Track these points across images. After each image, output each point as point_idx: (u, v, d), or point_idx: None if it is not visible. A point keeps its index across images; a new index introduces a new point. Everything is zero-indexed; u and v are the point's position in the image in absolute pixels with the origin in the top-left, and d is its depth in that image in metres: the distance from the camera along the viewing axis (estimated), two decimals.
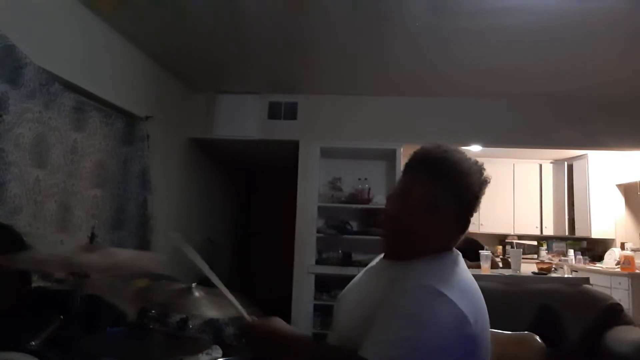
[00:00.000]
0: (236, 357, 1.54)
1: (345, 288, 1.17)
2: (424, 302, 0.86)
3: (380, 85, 3.87)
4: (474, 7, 2.46)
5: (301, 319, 3.84)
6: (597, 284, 4.43)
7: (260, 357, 1.01)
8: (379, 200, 4.02)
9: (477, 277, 1.00)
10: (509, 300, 2.89)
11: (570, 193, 5.62)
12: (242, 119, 4.05)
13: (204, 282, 1.31)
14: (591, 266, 5.08)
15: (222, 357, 1.52)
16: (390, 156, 4.09)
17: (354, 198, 4.04)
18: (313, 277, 3.92)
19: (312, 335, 1.34)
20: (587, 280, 3.40)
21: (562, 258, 5.26)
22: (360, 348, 0.85)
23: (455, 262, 0.99)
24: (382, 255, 1.14)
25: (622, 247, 4.99)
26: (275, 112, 4.10)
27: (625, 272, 4.45)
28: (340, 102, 4.10)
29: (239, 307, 1.04)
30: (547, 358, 1.38)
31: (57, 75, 2.34)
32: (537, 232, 5.75)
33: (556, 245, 5.72)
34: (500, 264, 3.97)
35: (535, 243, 5.72)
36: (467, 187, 0.98)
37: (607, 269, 4.79)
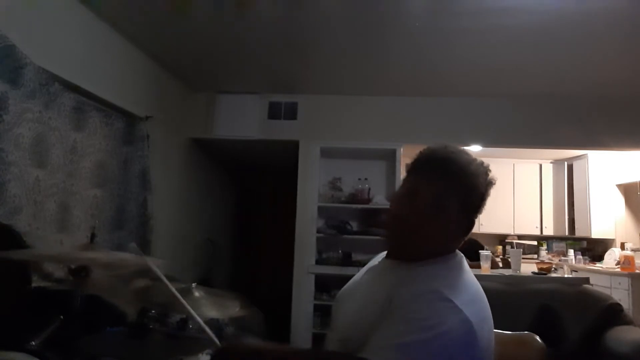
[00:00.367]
0: None
1: (345, 287, 1.16)
2: (431, 308, 0.85)
3: (380, 85, 3.87)
4: (474, 7, 2.46)
5: (301, 319, 3.84)
6: (597, 284, 4.43)
7: None
8: (379, 200, 4.02)
9: (477, 277, 1.00)
10: (509, 300, 2.89)
11: (570, 193, 5.62)
12: (242, 119, 4.05)
13: (204, 282, 1.31)
14: (591, 266, 5.08)
15: None
16: (390, 156, 4.09)
17: (354, 198, 4.04)
18: (313, 277, 3.92)
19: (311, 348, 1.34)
20: (587, 280, 3.40)
21: (562, 258, 5.26)
22: (365, 350, 0.85)
23: (460, 265, 0.99)
24: (383, 255, 1.13)
25: (622, 247, 4.99)
26: (275, 112, 4.10)
27: (625, 272, 4.45)
28: (340, 102, 4.10)
29: (207, 330, 1.03)
30: (547, 358, 1.38)
31: (57, 75, 2.34)
32: (537, 232, 5.76)
33: (556, 245, 5.73)
34: (500, 264, 3.97)
35: (535, 243, 5.72)
36: (473, 189, 0.97)
37: (607, 269, 4.79)
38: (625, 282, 4.40)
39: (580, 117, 3.89)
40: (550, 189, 5.82)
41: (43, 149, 2.26)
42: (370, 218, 4.07)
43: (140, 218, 3.13)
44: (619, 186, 5.36)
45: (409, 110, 4.06)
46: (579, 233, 5.50)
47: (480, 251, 3.48)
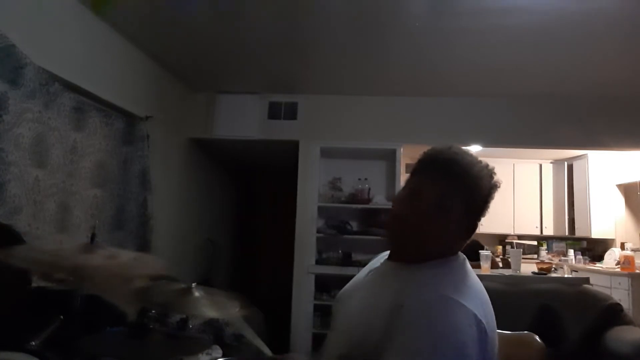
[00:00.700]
0: (236, 357, 1.54)
1: (345, 288, 1.15)
2: (443, 312, 0.85)
3: (380, 85, 3.87)
4: (474, 7, 2.46)
5: (301, 319, 3.84)
6: (597, 284, 4.43)
7: None
8: (379, 200, 4.02)
9: (477, 277, 1.00)
10: (509, 300, 2.89)
11: (570, 193, 5.62)
12: (242, 119, 4.05)
13: (204, 282, 1.31)
14: (591, 266, 5.08)
15: (222, 357, 1.52)
16: (390, 156, 4.09)
17: (354, 198, 4.03)
18: (313, 277, 3.92)
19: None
20: (587, 280, 3.40)
21: (562, 258, 5.26)
22: (380, 357, 0.85)
23: (463, 267, 0.99)
24: (384, 255, 1.12)
25: (622, 247, 4.99)
26: (275, 112, 4.10)
27: (625, 272, 4.45)
28: (340, 102, 4.10)
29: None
30: (547, 358, 1.38)
31: (57, 75, 2.34)
32: (537, 232, 5.76)
33: (556, 245, 5.73)
34: (500, 264, 3.97)
35: (535, 243, 5.73)
36: (476, 190, 0.97)
37: (607, 269, 4.79)
38: (625, 282, 4.40)
39: (580, 117, 3.89)
40: (550, 189, 5.82)
41: (43, 149, 2.26)
42: (370, 218, 4.07)
43: (140, 218, 3.13)
44: (619, 186, 5.36)
45: (409, 110, 4.06)
46: (579, 233, 5.50)
47: (480, 251, 3.48)
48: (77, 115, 2.56)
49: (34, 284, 1.66)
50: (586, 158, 5.38)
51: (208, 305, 1.25)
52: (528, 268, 3.95)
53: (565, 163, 5.69)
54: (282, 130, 4.09)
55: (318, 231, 3.99)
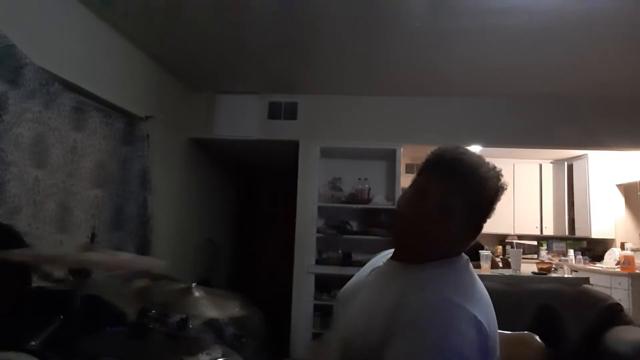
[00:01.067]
0: (236, 357, 1.54)
1: (346, 287, 1.14)
2: (444, 314, 0.85)
3: (380, 85, 3.87)
4: (474, 7, 2.46)
5: (301, 319, 3.84)
6: (597, 284, 4.43)
7: None
8: (379, 200, 4.02)
9: (479, 279, 1.00)
10: (509, 300, 2.88)
11: (570, 193, 5.62)
12: (242, 119, 4.05)
13: (204, 282, 1.31)
14: (591, 266, 5.07)
15: (222, 357, 1.52)
16: (390, 156, 4.09)
17: (354, 198, 4.03)
18: (313, 277, 3.92)
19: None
20: (587, 280, 3.40)
21: (562, 258, 5.26)
22: (380, 357, 0.85)
23: (466, 268, 0.99)
24: (386, 254, 1.12)
25: (622, 247, 4.99)
26: (275, 112, 4.10)
27: (625, 272, 4.45)
28: (340, 102, 4.10)
29: None
30: (547, 358, 1.38)
31: (57, 75, 2.34)
32: (537, 232, 5.75)
33: (556, 245, 5.72)
34: (500, 264, 3.97)
35: (535, 243, 5.72)
36: (481, 191, 0.96)
37: (607, 269, 4.79)
38: (625, 282, 4.40)
39: (580, 117, 3.89)
40: (550, 189, 5.82)
41: (43, 149, 2.26)
42: (370, 218, 4.07)
43: (140, 218, 3.13)
44: (619, 186, 5.36)
45: (409, 110, 4.06)
46: (579, 233, 5.50)
47: (480, 251, 3.48)
48: (77, 115, 2.56)
49: (34, 284, 1.66)
50: (586, 158, 5.38)
51: (208, 305, 1.25)
52: (528, 268, 3.95)
53: (565, 163, 5.69)
54: (282, 130, 4.09)
55: (318, 231, 3.99)
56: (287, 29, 2.84)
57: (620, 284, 4.45)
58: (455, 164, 0.96)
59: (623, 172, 5.23)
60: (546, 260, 5.01)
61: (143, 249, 3.12)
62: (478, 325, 0.85)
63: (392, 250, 1.09)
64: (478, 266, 3.30)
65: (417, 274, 0.95)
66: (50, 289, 1.67)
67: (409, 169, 5.31)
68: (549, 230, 5.75)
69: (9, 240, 1.62)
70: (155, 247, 3.22)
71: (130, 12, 2.67)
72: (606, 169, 5.34)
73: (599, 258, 5.26)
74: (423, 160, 1.04)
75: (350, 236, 4.01)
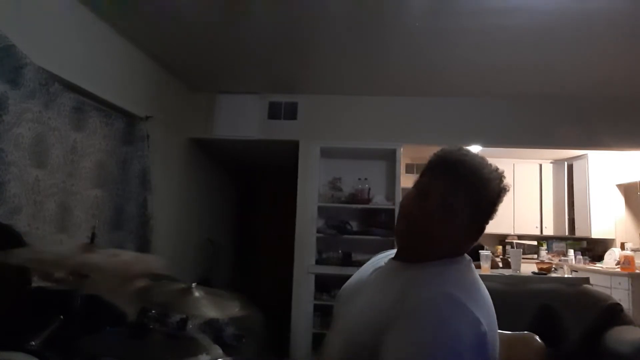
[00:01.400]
0: (236, 357, 1.54)
1: (346, 286, 1.14)
2: (443, 312, 0.86)
3: (380, 85, 3.87)
4: (474, 7, 2.46)
5: (301, 319, 3.84)
6: (597, 284, 4.42)
7: None
8: (379, 200, 4.02)
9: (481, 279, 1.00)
10: (509, 300, 2.88)
11: (570, 193, 5.62)
12: (242, 119, 4.05)
13: (204, 282, 1.31)
14: (591, 266, 5.07)
15: (222, 357, 1.52)
16: (390, 156, 4.09)
17: (354, 198, 4.03)
18: (313, 277, 3.92)
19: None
20: (587, 280, 3.40)
21: (562, 258, 5.26)
22: (380, 356, 0.85)
23: (468, 268, 0.99)
24: (387, 254, 1.12)
25: (622, 247, 4.99)
26: (275, 112, 4.10)
27: (625, 272, 4.45)
28: (340, 102, 4.10)
29: None
30: (547, 358, 1.38)
31: (57, 75, 2.34)
32: (537, 232, 5.76)
33: (556, 245, 5.72)
34: (500, 264, 3.97)
35: (535, 243, 5.72)
36: (484, 193, 0.97)
37: (607, 269, 4.79)
38: (625, 282, 4.40)
39: (580, 117, 3.89)
40: (550, 189, 5.82)
41: (43, 149, 2.26)
42: (370, 218, 4.07)
43: (140, 218, 3.13)
44: (619, 186, 5.36)
45: (409, 110, 4.06)
46: (579, 233, 5.50)
47: (480, 251, 3.48)
48: (77, 115, 2.56)
49: (34, 284, 1.66)
50: (586, 158, 5.38)
51: (208, 305, 1.25)
52: (528, 268, 3.95)
53: (565, 163, 5.69)
54: (282, 130, 4.09)
55: (318, 231, 3.99)
56: (287, 29, 2.84)
57: (620, 284, 4.45)
58: (458, 166, 0.97)
59: (623, 172, 5.23)
60: (546, 260, 5.01)
61: (143, 249, 3.12)
62: (476, 323, 0.85)
63: (394, 250, 1.09)
64: (478, 266, 3.30)
65: (420, 271, 0.96)
66: (50, 289, 1.66)
67: (409, 169, 5.31)
68: (549, 230, 5.75)
69: (9, 240, 1.62)
70: (155, 247, 3.22)
71: (130, 12, 2.67)
72: (606, 169, 5.34)
73: (599, 258, 5.26)
74: (423, 160, 1.06)
75: (350, 236, 4.01)
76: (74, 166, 2.54)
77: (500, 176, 1.00)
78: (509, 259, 3.76)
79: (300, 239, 3.97)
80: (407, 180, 3.94)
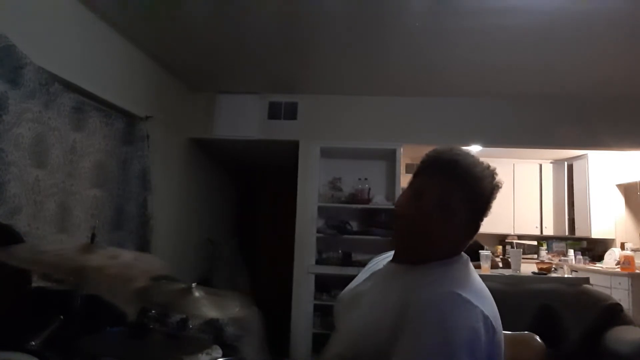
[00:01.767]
0: (236, 357, 1.54)
1: (345, 291, 1.14)
2: (451, 308, 0.86)
3: (380, 85, 3.87)
4: (474, 7, 2.46)
5: (301, 319, 3.84)
6: (597, 284, 4.43)
7: None
8: (379, 200, 4.02)
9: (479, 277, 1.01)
10: (509, 301, 2.88)
11: (570, 193, 5.62)
12: (242, 119, 4.05)
13: (204, 282, 1.31)
14: (591, 266, 5.08)
15: (222, 357, 1.52)
16: (390, 156, 4.09)
17: (354, 198, 4.03)
18: (313, 277, 3.92)
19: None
20: (587, 280, 3.41)
21: (562, 258, 5.26)
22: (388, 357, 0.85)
23: (467, 266, 1.00)
24: (385, 257, 1.12)
25: (622, 247, 4.99)
26: (275, 112, 4.10)
27: (625, 272, 4.45)
28: (340, 102, 4.10)
29: None
30: (547, 358, 1.38)
31: (57, 75, 2.34)
32: (537, 232, 5.75)
33: (556, 245, 5.73)
34: (500, 264, 3.97)
35: (535, 243, 5.72)
36: (478, 191, 0.97)
37: (607, 269, 4.79)
38: (625, 282, 4.40)
39: (580, 117, 3.89)
40: (550, 189, 5.82)
41: (43, 149, 2.26)
42: (370, 218, 4.07)
43: (140, 218, 3.13)
44: (619, 186, 5.36)
45: (409, 110, 4.06)
46: (579, 233, 5.50)
47: (480, 251, 3.49)
48: (77, 115, 2.56)
49: (34, 284, 1.66)
50: (586, 158, 5.38)
51: (208, 305, 1.25)
52: (528, 268, 3.95)
53: (565, 163, 5.69)
54: (282, 130, 4.09)
55: (318, 231, 3.98)
56: (287, 29, 2.84)
57: (620, 284, 4.45)
58: (452, 165, 0.98)
59: (623, 172, 5.23)
60: (546, 260, 5.01)
61: (143, 249, 3.12)
62: (485, 319, 0.86)
63: (391, 252, 1.09)
64: (478, 266, 3.30)
65: (420, 273, 0.96)
66: (50, 289, 1.67)
67: (409, 169, 5.30)
68: (549, 230, 5.75)
69: (9, 240, 1.62)
70: (155, 247, 3.22)
71: (130, 12, 2.67)
72: (606, 169, 5.34)
73: (599, 258, 5.26)
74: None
75: (350, 236, 4.01)
76: (74, 166, 2.54)
77: (492, 173, 1.01)
78: (509, 259, 3.77)
79: (300, 239, 3.97)
80: (407, 180, 3.94)
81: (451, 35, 2.81)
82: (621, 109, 3.84)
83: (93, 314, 1.41)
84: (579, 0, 2.34)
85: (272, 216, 5.89)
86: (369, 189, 4.04)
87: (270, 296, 4.09)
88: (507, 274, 3.44)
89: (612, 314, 2.85)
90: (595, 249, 5.49)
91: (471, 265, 1.02)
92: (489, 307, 0.91)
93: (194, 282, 1.32)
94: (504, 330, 1.18)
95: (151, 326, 1.36)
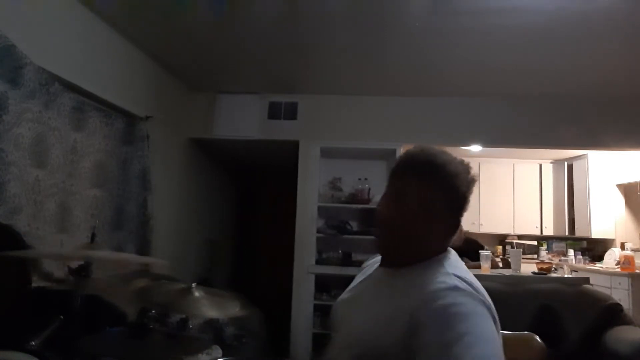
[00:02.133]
0: (236, 357, 1.54)
1: (342, 298, 1.13)
2: (458, 302, 0.86)
3: (380, 85, 3.87)
4: (474, 7, 2.46)
5: (301, 319, 3.84)
6: (597, 284, 4.43)
7: None
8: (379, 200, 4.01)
9: (477, 277, 1.00)
10: (509, 301, 2.89)
11: (570, 193, 5.62)
12: (242, 119, 4.05)
13: (204, 282, 1.31)
14: (591, 266, 5.08)
15: (222, 357, 1.52)
16: (390, 156, 4.09)
17: (354, 198, 4.04)
18: (313, 277, 3.92)
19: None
20: (587, 280, 3.40)
21: (562, 258, 5.25)
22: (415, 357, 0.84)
23: (455, 260, 1.01)
24: (375, 261, 1.12)
25: (622, 247, 4.99)
26: (275, 112, 4.10)
27: (625, 272, 4.45)
28: (340, 102, 4.10)
29: None
30: (547, 358, 1.38)
31: (57, 75, 2.34)
32: (537, 232, 5.75)
33: (556, 245, 5.72)
34: (500, 264, 3.97)
35: (535, 243, 5.72)
36: (454, 188, 0.99)
37: (607, 269, 4.79)
38: (625, 282, 4.40)
39: (580, 117, 3.89)
40: (550, 189, 5.82)
41: (43, 149, 2.26)
42: (370, 218, 4.06)
43: (140, 218, 3.13)
44: (619, 186, 5.36)
45: (409, 110, 4.06)
46: (579, 233, 5.50)
47: (480, 251, 3.48)
48: (77, 115, 2.56)
49: (34, 284, 1.66)
50: (586, 158, 5.38)
51: (208, 305, 1.25)
52: (528, 268, 3.95)
53: (565, 163, 5.69)
54: (282, 130, 4.09)
55: (318, 231, 3.99)
56: (287, 29, 2.84)
57: (620, 284, 4.45)
58: (426, 166, 1.00)
59: (623, 172, 5.23)
60: (546, 260, 5.00)
61: (143, 249, 3.12)
62: (490, 309, 0.88)
63: (379, 257, 1.09)
64: (478, 266, 3.30)
65: (413, 275, 0.96)
66: (50, 289, 1.67)
67: None
68: (549, 230, 5.75)
69: (9, 240, 1.62)
70: (155, 247, 3.22)
71: (130, 12, 2.67)
72: (606, 169, 5.34)
73: (599, 258, 5.26)
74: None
75: (350, 236, 4.01)
76: (74, 166, 2.54)
77: (466, 168, 1.03)
78: (509, 259, 3.76)
79: (300, 239, 3.97)
80: None
81: (451, 35, 2.81)
82: (621, 109, 3.85)
83: (93, 314, 1.41)
84: (578, 0, 2.34)
85: (272, 216, 5.89)
86: (369, 189, 4.04)
87: (270, 296, 4.09)
88: (507, 274, 3.43)
89: (612, 314, 2.85)
90: (595, 249, 5.49)
91: (459, 258, 1.03)
92: (488, 298, 0.93)
93: (194, 282, 1.32)
94: (505, 330, 1.18)
95: (151, 326, 1.36)
